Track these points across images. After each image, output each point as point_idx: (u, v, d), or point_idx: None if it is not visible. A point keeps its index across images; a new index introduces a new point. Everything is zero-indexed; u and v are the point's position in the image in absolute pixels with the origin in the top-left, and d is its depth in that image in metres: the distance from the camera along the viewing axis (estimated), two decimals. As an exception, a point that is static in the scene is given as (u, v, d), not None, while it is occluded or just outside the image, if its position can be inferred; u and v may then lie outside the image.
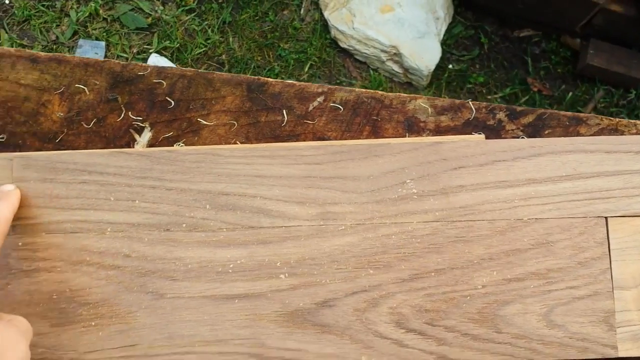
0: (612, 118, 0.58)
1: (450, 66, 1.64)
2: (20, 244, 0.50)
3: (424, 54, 1.52)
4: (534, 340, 0.48)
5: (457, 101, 0.59)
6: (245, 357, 0.49)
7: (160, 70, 0.59)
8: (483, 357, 0.48)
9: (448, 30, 1.66)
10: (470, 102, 0.58)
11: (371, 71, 1.59)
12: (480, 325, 0.49)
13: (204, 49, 1.53)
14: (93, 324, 0.49)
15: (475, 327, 0.49)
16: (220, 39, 1.54)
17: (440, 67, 1.62)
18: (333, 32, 1.56)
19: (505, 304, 0.49)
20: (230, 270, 0.50)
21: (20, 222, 0.50)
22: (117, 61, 0.60)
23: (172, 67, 0.59)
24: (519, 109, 0.58)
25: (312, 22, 1.57)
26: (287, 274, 0.50)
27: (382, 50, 1.52)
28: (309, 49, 1.56)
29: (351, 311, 0.49)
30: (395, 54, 1.52)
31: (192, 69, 0.60)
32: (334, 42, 1.59)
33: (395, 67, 1.55)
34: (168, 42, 1.52)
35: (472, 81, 1.64)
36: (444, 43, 1.64)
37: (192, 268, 0.50)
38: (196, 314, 0.49)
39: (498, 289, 0.49)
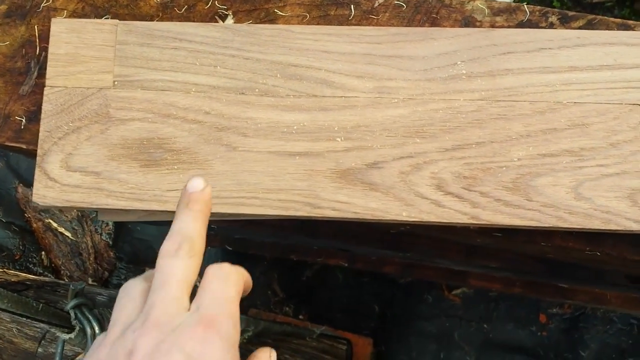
0: (661, 26, 0.60)
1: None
2: (119, 96, 0.59)
3: None
4: (561, 210, 0.53)
5: (513, 4, 0.63)
6: (301, 205, 0.56)
7: (244, -37, 0.67)
8: (512, 220, 0.54)
9: (521, -12, 1.66)
10: (525, 5, 0.63)
11: None
12: (512, 193, 0.54)
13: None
14: (176, 167, 0.57)
15: (507, 195, 0.54)
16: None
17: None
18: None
19: (537, 175, 0.54)
20: (293, 132, 0.57)
21: (120, 79, 0.59)
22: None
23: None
24: (570, 13, 0.62)
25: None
26: (342, 138, 0.56)
27: None
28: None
29: (397, 173, 0.55)
30: None
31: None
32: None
33: None
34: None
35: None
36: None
37: (261, 127, 0.57)
38: (262, 166, 0.57)
39: (532, 162, 0.54)
